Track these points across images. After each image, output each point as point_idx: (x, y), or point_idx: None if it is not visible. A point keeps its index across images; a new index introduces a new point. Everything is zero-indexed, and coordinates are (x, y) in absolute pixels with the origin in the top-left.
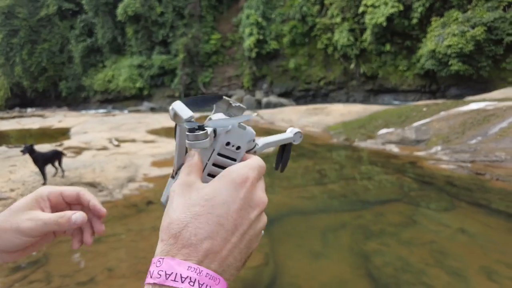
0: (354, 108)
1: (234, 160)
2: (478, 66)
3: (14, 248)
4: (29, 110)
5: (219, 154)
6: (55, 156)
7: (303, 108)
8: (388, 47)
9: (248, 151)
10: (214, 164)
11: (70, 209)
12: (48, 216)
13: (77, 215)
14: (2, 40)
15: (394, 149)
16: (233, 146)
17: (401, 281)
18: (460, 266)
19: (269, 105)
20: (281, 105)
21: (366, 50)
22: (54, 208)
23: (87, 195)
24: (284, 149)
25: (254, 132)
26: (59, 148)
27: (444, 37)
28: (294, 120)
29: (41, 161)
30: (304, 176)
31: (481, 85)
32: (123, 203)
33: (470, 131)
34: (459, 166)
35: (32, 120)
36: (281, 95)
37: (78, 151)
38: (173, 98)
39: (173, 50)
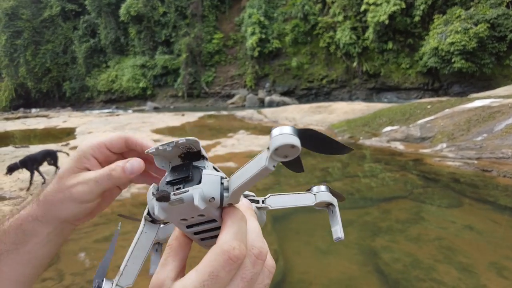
0: (358, 106)
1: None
2: (481, 63)
3: (77, 216)
4: (33, 110)
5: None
6: (47, 156)
7: (306, 106)
8: (390, 45)
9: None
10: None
11: (124, 158)
12: (98, 173)
13: (132, 162)
14: (6, 42)
15: (399, 146)
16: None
17: (411, 277)
18: (469, 262)
19: (271, 104)
20: (284, 103)
21: (368, 48)
22: (106, 164)
23: (137, 138)
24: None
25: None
26: (64, 148)
27: (446, 34)
28: (298, 119)
29: (30, 164)
30: (309, 174)
31: (484, 83)
32: (131, 201)
33: (475, 128)
34: (465, 163)
35: (37, 121)
36: (283, 93)
37: None
38: (176, 97)
39: (175, 50)
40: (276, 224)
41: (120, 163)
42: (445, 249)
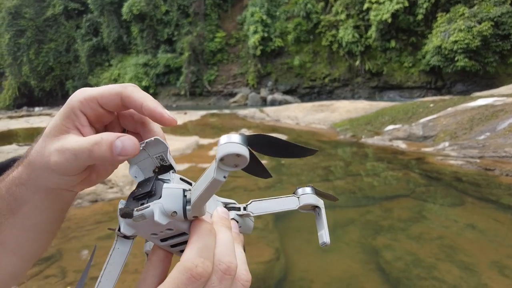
0: (360, 104)
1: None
2: (484, 61)
3: (63, 187)
4: (36, 109)
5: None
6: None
7: (308, 105)
8: (393, 43)
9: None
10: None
11: (121, 121)
12: (78, 143)
13: (123, 140)
14: (9, 40)
15: (401, 145)
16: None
17: (412, 275)
18: (471, 261)
19: (274, 103)
20: (286, 102)
21: (371, 46)
22: (98, 124)
23: (136, 94)
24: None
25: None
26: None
27: (450, 32)
28: (300, 117)
29: None
30: (311, 173)
31: (488, 81)
32: None
33: (478, 126)
34: (467, 162)
35: (40, 119)
36: (286, 92)
37: None
38: (178, 96)
39: (178, 49)
40: (277, 222)
41: (108, 137)
42: (447, 248)
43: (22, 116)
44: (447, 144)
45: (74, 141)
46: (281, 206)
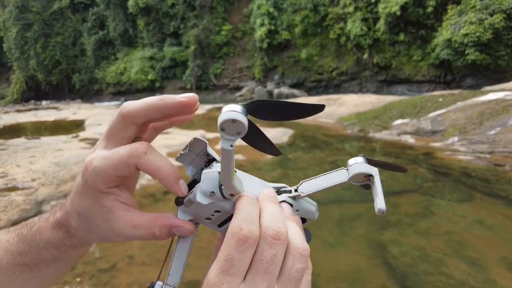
0: (368, 98)
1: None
2: (496, 55)
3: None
4: (44, 102)
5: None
6: None
7: (315, 99)
8: (402, 36)
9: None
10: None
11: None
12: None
13: (179, 230)
14: (16, 34)
15: (410, 140)
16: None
17: (419, 270)
18: (479, 256)
19: (280, 96)
20: (293, 96)
21: (379, 40)
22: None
23: (151, 164)
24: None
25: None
26: (74, 140)
27: (460, 25)
28: None
29: None
30: (317, 167)
31: (499, 75)
32: (140, 193)
33: (488, 121)
34: (477, 157)
35: (47, 113)
36: (292, 86)
37: (94, 142)
38: (184, 90)
39: (184, 42)
40: None
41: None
42: (455, 244)
43: (29, 110)
44: (456, 139)
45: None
46: (331, 181)
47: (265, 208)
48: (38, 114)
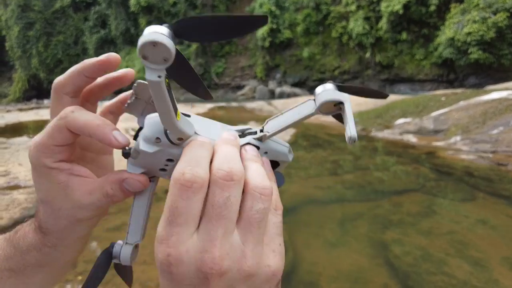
0: None
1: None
2: (499, 54)
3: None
4: (46, 101)
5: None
6: None
7: None
8: (404, 35)
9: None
10: None
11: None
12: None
13: (129, 182)
14: (18, 33)
15: (412, 139)
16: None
17: (421, 270)
18: (482, 256)
19: (282, 95)
20: (295, 95)
21: (382, 38)
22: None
23: (80, 120)
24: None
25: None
26: None
27: (463, 24)
28: None
29: None
30: (319, 167)
31: (502, 74)
32: None
33: (492, 121)
34: (479, 157)
35: (49, 111)
36: (294, 85)
37: None
38: None
39: (186, 41)
40: (285, 216)
41: (114, 179)
42: (457, 243)
43: (32, 109)
44: (458, 138)
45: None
46: (297, 115)
47: (218, 151)
48: (40, 113)
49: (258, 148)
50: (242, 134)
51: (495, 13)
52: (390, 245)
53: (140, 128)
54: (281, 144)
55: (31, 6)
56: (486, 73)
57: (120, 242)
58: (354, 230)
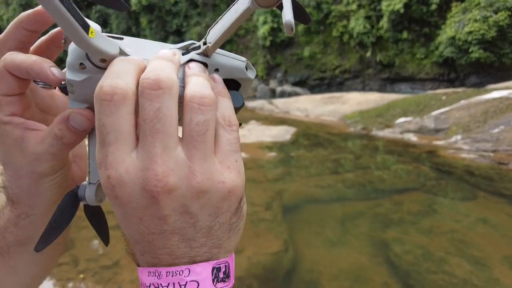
0: (371, 96)
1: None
2: (500, 53)
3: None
4: None
5: None
6: None
7: (318, 97)
8: (405, 34)
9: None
10: None
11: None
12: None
13: (73, 118)
14: None
15: (413, 138)
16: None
17: (422, 269)
18: (482, 255)
19: (283, 94)
20: (296, 94)
21: (383, 37)
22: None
23: (17, 59)
24: None
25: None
26: None
27: (464, 23)
28: (310, 109)
29: None
30: (320, 165)
31: (503, 73)
32: None
33: (493, 120)
34: (480, 156)
35: None
36: (295, 84)
37: None
38: None
39: (187, 40)
40: (286, 214)
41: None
42: (458, 242)
43: None
44: (459, 137)
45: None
46: (235, 13)
47: (148, 65)
48: None
49: (206, 65)
50: (187, 51)
51: (496, 12)
52: (391, 244)
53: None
54: (236, 58)
55: (33, 5)
56: (487, 72)
57: (84, 183)
58: (354, 229)
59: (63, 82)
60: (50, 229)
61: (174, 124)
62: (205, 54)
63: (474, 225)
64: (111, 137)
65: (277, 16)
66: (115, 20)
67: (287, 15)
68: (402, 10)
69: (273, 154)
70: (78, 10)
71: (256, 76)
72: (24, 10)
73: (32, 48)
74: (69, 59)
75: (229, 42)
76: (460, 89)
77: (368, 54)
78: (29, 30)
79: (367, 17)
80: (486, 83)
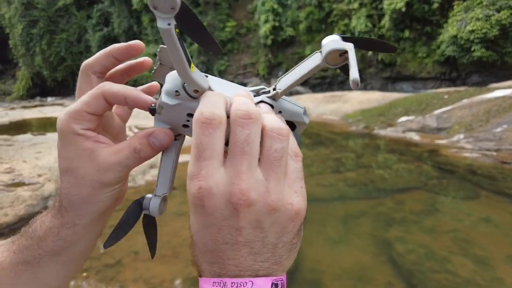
0: (373, 95)
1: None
2: (502, 52)
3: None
4: (49, 99)
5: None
6: None
7: (320, 95)
8: (407, 33)
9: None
10: None
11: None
12: (117, 155)
13: (157, 136)
14: (22, 31)
15: (415, 137)
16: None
17: (425, 268)
18: (485, 254)
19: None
20: (297, 93)
21: (384, 36)
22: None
23: (115, 88)
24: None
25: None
26: None
27: (467, 21)
28: (311, 108)
29: None
30: (322, 164)
31: (505, 72)
32: (146, 188)
33: (495, 119)
34: (483, 155)
35: (53, 109)
36: None
37: None
38: None
39: (188, 39)
40: None
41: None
42: (461, 241)
43: (35, 106)
44: (461, 136)
45: (109, 154)
46: (306, 68)
47: (235, 99)
48: (43, 111)
49: (272, 106)
50: (257, 94)
51: (498, 11)
52: (393, 243)
53: (162, 86)
54: (296, 105)
55: (35, 4)
56: (489, 71)
57: (149, 195)
58: (357, 228)
59: (152, 105)
60: (119, 229)
61: (258, 148)
62: (273, 98)
63: (476, 224)
64: (206, 154)
65: (278, 15)
66: (116, 19)
67: (354, 73)
68: (403, 9)
69: None
70: (186, 49)
71: (258, 75)
72: (26, 8)
73: (109, 73)
74: (167, 86)
75: (230, 41)
76: (462, 88)
77: (370, 53)
78: (117, 59)
79: (369, 16)
80: (488, 82)
